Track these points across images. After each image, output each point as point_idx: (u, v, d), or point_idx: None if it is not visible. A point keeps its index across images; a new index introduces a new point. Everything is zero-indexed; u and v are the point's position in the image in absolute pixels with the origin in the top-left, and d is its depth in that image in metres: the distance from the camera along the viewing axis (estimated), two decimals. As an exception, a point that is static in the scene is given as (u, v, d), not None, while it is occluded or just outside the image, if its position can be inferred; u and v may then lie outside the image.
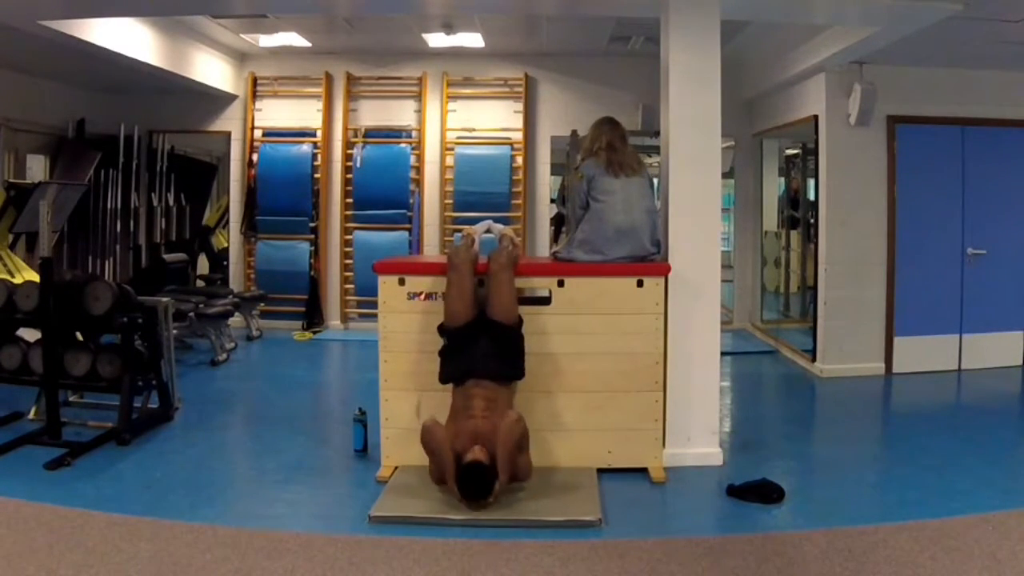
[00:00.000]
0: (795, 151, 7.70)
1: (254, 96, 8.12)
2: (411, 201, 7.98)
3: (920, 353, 6.20)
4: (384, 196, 7.94)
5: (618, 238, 3.91)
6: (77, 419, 4.62)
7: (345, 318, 8.13)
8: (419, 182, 8.01)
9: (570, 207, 4.34)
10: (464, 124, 8.06)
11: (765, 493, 3.55)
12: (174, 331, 5.26)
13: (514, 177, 7.97)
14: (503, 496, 3.41)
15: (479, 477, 3.34)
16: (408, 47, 7.73)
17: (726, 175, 7.72)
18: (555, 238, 8.30)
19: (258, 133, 8.12)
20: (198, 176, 9.11)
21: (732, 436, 4.60)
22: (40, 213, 4.36)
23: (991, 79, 6.12)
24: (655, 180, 4.24)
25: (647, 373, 3.90)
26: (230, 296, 7.29)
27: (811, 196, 6.67)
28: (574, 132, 7.66)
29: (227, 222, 8.69)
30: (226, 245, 8.78)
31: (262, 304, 7.79)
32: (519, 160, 7.98)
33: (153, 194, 8.35)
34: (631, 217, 3.92)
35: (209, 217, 9.34)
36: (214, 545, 3.02)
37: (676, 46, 4.06)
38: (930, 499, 3.56)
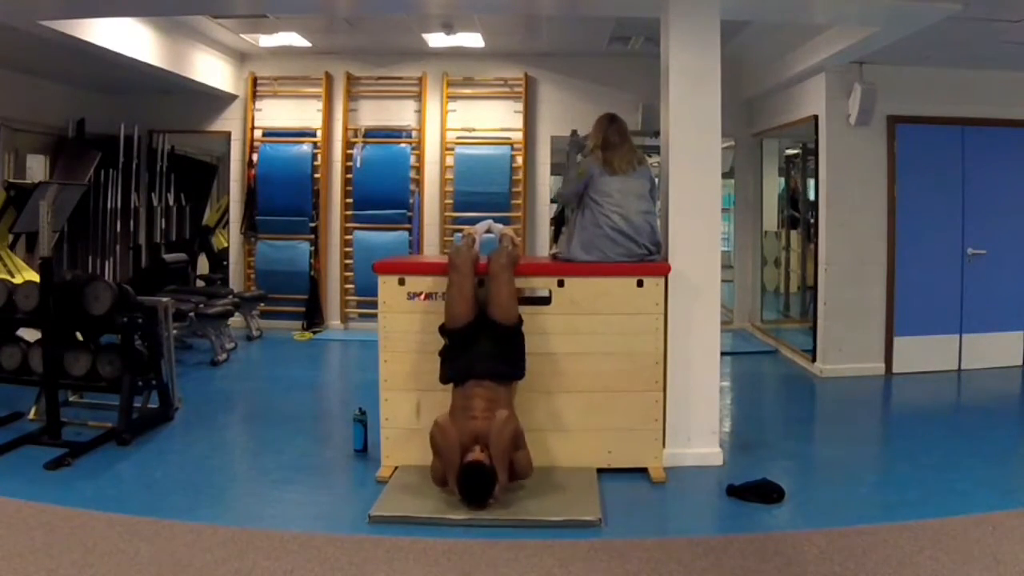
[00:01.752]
0: (795, 151, 7.70)
1: (254, 96, 8.12)
2: (411, 201, 7.98)
3: (920, 353, 6.20)
4: (384, 196, 7.94)
5: (616, 239, 3.91)
6: (77, 419, 4.61)
7: (345, 318, 8.13)
8: (419, 182, 8.01)
9: (564, 192, 4.30)
10: (464, 124, 8.06)
11: (765, 493, 3.55)
12: (174, 331, 5.26)
13: (514, 177, 7.96)
14: (503, 496, 3.40)
15: (480, 477, 3.33)
16: (408, 47, 7.72)
17: (726, 175, 7.71)
18: (555, 238, 8.30)
19: (258, 133, 8.12)
20: (198, 176, 9.11)
21: (732, 436, 4.60)
22: (40, 213, 4.36)
23: (991, 79, 6.12)
24: (656, 179, 4.21)
25: (647, 373, 3.90)
26: (230, 296, 7.29)
27: (811, 196, 6.67)
28: (574, 132, 7.63)
29: (227, 222, 8.69)
30: (226, 245, 8.78)
31: (262, 304, 7.79)
32: (519, 160, 7.98)
33: (153, 194, 8.35)
34: (629, 218, 3.92)
35: (209, 217, 9.34)
36: (214, 545, 3.02)
37: (676, 46, 4.06)
38: (930, 499, 3.56)
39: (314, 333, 7.81)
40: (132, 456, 4.15)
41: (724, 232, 6.65)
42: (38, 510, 3.32)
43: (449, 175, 8.02)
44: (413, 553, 2.98)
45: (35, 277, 4.95)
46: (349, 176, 8.03)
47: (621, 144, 4.06)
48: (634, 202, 3.94)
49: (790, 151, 7.87)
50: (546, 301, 3.90)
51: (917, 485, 3.74)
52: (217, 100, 8.07)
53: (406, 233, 7.96)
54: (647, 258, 3.97)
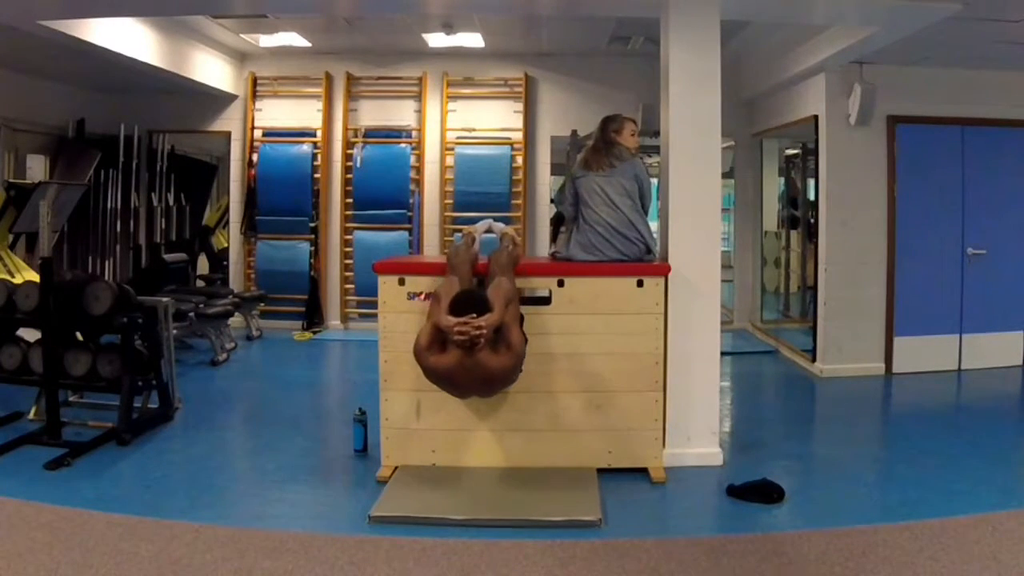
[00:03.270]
0: (795, 151, 7.70)
1: (254, 96, 8.12)
2: (411, 201, 7.98)
3: (920, 353, 6.19)
4: (384, 196, 7.94)
5: (608, 237, 3.94)
6: (77, 419, 4.62)
7: (345, 318, 8.13)
8: (419, 182, 8.01)
9: (562, 205, 4.39)
10: (464, 124, 8.06)
11: (765, 493, 3.55)
12: (174, 331, 5.26)
13: (514, 177, 7.96)
14: (503, 496, 3.40)
15: (469, 295, 3.39)
16: (408, 47, 7.72)
17: (726, 175, 7.71)
18: (554, 238, 8.30)
19: (258, 133, 8.12)
20: (198, 176, 9.11)
21: (732, 436, 4.60)
22: (40, 213, 4.37)
23: (991, 79, 6.12)
24: (640, 176, 4.15)
25: (647, 373, 3.90)
26: (230, 296, 7.29)
27: (811, 196, 6.67)
28: (574, 132, 7.66)
29: (227, 222, 8.69)
30: (226, 245, 8.78)
31: (262, 304, 7.79)
32: (519, 160, 7.98)
33: (153, 194, 8.35)
34: (617, 217, 3.94)
35: (209, 217, 9.34)
36: (214, 545, 3.02)
37: (676, 46, 4.07)
38: (930, 499, 3.56)
39: (314, 333, 7.81)
40: (132, 456, 4.15)
41: (724, 232, 6.64)
42: (38, 510, 3.32)
43: (449, 175, 8.02)
44: (413, 553, 2.98)
45: (35, 277, 4.95)
46: (349, 176, 8.03)
47: (606, 146, 4.08)
48: (617, 200, 3.95)
49: (790, 151, 7.86)
50: (546, 301, 3.90)
51: (917, 485, 3.74)
52: (217, 100, 8.07)
53: (406, 233, 7.96)
54: (645, 257, 3.98)
